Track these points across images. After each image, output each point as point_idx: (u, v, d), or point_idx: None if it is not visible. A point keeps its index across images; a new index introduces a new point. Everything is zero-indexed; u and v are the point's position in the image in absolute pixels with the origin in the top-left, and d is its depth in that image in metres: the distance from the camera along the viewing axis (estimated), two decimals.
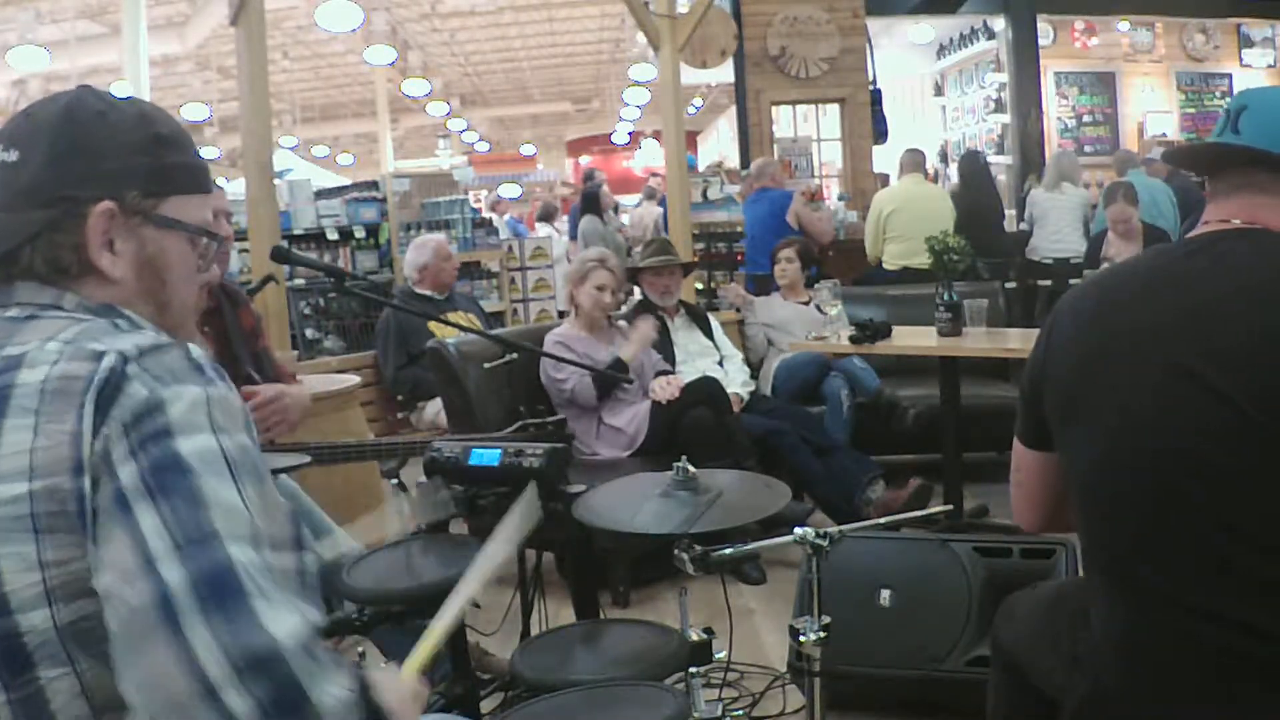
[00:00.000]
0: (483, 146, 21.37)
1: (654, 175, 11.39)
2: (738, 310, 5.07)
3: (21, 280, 0.95)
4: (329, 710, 0.80)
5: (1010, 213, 8.22)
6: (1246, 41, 10.47)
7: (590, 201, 8.17)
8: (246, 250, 4.03)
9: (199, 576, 0.79)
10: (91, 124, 0.97)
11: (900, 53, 11.06)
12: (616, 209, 9.40)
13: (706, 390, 3.78)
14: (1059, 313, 1.47)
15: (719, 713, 1.84)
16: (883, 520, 2.11)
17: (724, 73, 8.74)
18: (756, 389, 4.44)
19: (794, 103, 8.37)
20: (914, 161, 6.57)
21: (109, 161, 0.97)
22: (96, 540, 0.83)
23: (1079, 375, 1.38)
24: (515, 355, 3.79)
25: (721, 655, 1.91)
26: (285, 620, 0.80)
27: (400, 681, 1.04)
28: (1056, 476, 1.48)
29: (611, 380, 3.70)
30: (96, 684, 0.85)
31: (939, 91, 12.14)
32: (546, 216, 10.54)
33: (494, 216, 8.97)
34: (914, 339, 3.91)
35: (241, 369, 2.45)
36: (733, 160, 9.43)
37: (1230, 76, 10.35)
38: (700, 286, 6.27)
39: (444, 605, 1.20)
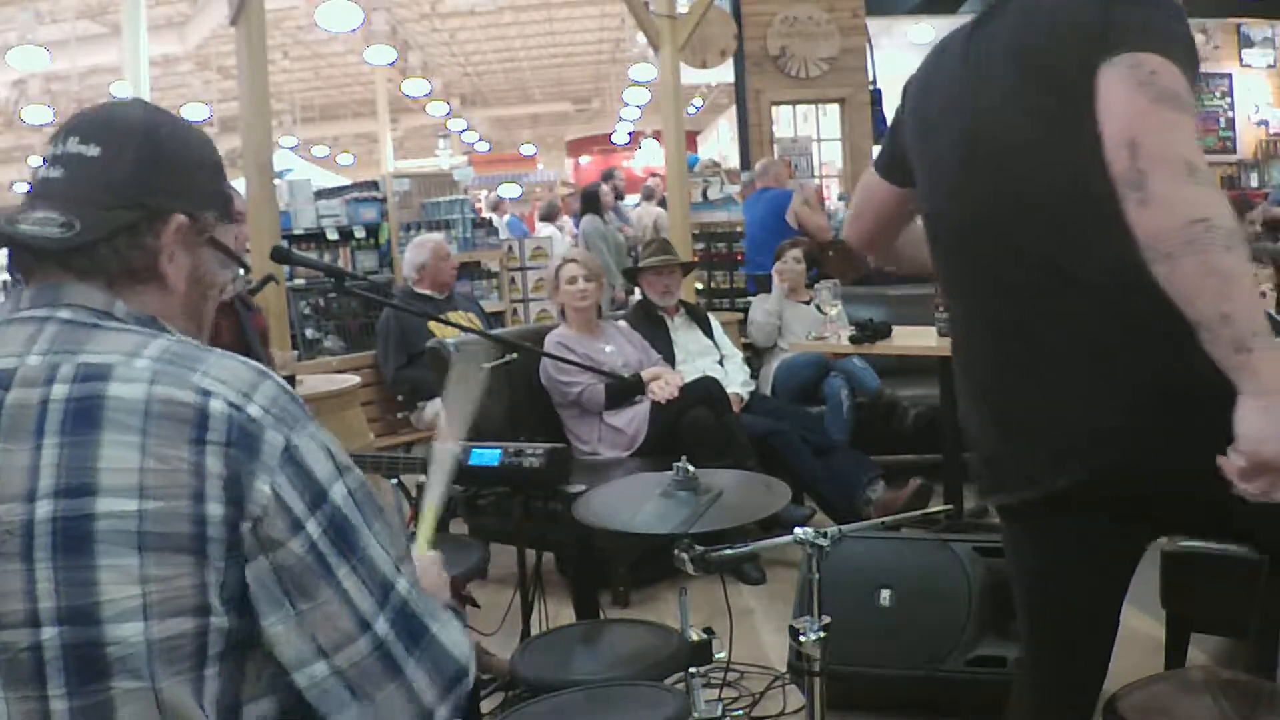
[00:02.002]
0: (483, 146, 21.36)
1: (653, 175, 11.38)
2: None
3: (79, 281, 0.96)
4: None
5: None
6: (1246, 41, 10.46)
7: (590, 201, 8.15)
8: (247, 250, 4.03)
9: (396, 624, 0.96)
10: (173, 137, 1.02)
11: (900, 53, 11.03)
12: (616, 207, 9.36)
13: (706, 390, 3.78)
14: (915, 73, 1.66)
15: (719, 713, 1.84)
16: (883, 520, 2.11)
17: (724, 73, 8.73)
18: (756, 389, 4.44)
19: (794, 103, 8.37)
20: None
21: (188, 177, 1.02)
22: (297, 590, 0.91)
23: (918, 130, 1.59)
24: (515, 355, 3.79)
25: (721, 655, 1.91)
26: (456, 635, 1.02)
27: (427, 566, 1.22)
28: (888, 207, 1.72)
29: (624, 391, 3.74)
30: (170, 701, 0.86)
31: None
32: (549, 216, 10.50)
33: (494, 217, 8.96)
34: (914, 339, 3.91)
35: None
36: (732, 160, 9.42)
37: (1230, 76, 10.34)
38: (700, 286, 6.27)
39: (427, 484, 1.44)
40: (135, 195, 0.97)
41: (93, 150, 0.97)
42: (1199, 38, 10.27)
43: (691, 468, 1.91)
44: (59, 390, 0.88)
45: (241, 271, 1.18)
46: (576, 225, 8.67)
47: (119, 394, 0.88)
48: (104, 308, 0.96)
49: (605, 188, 8.66)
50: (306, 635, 0.91)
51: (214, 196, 1.06)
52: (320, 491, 0.93)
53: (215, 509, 0.87)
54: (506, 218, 10.76)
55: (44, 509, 0.85)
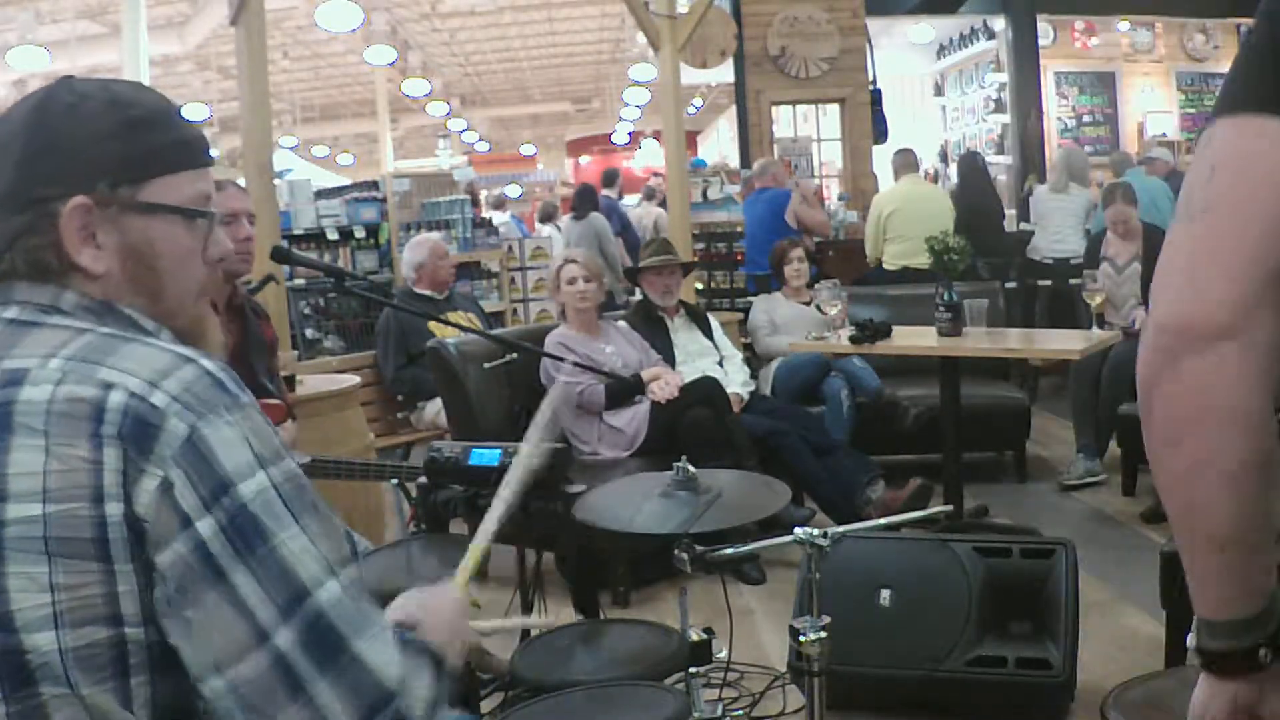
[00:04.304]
0: (483, 146, 21.37)
1: (654, 175, 11.37)
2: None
3: (12, 279, 0.94)
4: (420, 715, 0.92)
5: (1010, 213, 8.20)
6: None
7: (593, 198, 8.11)
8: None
9: (305, 635, 0.86)
10: (59, 120, 0.95)
11: (900, 53, 11.06)
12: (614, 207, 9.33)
13: (706, 390, 3.78)
14: None
15: (719, 713, 1.84)
16: (883, 520, 2.11)
17: (724, 73, 8.73)
18: (756, 389, 4.44)
19: (794, 103, 8.37)
20: (907, 162, 6.52)
21: (78, 155, 0.94)
22: (182, 596, 0.85)
23: None
24: (515, 355, 3.79)
25: (721, 655, 1.91)
26: (385, 657, 0.90)
27: (444, 603, 1.14)
28: None
29: (624, 391, 3.75)
30: (98, 709, 0.85)
31: (939, 91, 12.14)
32: (547, 218, 10.48)
33: (495, 214, 8.93)
34: (914, 339, 3.91)
35: (257, 378, 2.48)
36: (733, 160, 9.42)
37: None
38: (700, 286, 6.27)
39: (484, 519, 1.33)
40: (24, 195, 0.93)
41: None
42: (1199, 38, 10.28)
43: (691, 468, 1.91)
44: None
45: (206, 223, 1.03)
46: (577, 221, 8.61)
47: (28, 397, 0.86)
48: (51, 301, 0.94)
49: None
50: (199, 647, 0.85)
51: (123, 159, 0.95)
52: (223, 484, 0.86)
53: (114, 508, 0.84)
54: (508, 216, 10.75)
55: None
